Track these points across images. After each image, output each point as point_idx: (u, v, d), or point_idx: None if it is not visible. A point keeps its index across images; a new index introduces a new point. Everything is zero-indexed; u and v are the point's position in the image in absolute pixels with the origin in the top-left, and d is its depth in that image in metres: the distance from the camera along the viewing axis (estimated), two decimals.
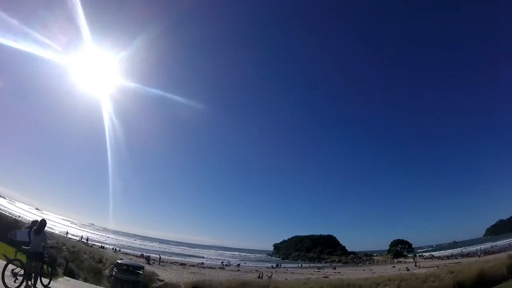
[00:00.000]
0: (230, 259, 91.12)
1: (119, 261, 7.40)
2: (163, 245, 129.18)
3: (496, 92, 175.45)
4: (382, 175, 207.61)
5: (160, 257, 61.95)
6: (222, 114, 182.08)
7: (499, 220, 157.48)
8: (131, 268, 7.10)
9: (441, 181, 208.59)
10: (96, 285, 13.76)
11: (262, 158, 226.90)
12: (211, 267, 58.83)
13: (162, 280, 20.20)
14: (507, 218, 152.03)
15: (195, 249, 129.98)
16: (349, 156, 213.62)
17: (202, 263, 67.79)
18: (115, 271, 7.27)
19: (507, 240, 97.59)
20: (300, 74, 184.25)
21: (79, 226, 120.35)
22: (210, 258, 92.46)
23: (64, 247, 23.74)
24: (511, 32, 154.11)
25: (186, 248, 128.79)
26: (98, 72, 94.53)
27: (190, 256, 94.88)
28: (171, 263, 58.84)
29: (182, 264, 59.50)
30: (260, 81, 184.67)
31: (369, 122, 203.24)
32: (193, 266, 58.03)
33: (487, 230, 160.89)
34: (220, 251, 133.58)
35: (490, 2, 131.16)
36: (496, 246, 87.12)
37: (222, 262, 74.25)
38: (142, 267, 7.65)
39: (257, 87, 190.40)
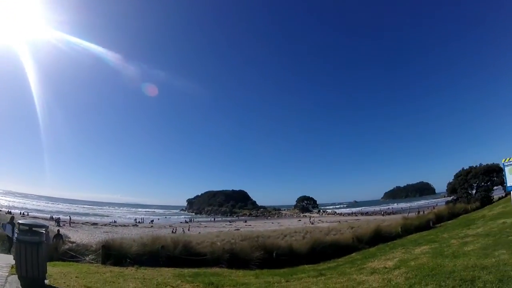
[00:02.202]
0: (144, 216, 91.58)
1: (19, 221, 7.66)
2: (73, 205, 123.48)
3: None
4: (293, 133, 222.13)
5: (70, 218, 60.29)
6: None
7: (396, 186, 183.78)
8: (33, 228, 7.41)
9: (345, 147, 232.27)
10: (6, 254, 13.49)
11: (171, 108, 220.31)
12: (124, 225, 59.20)
13: (73, 242, 20.14)
14: (404, 186, 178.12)
15: (107, 208, 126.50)
16: (262, 112, 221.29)
17: (115, 222, 67.69)
18: (16, 233, 7.53)
19: (403, 204, 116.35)
20: None
21: None
22: (123, 217, 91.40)
23: None
24: None
25: (97, 207, 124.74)
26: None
27: (102, 215, 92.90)
28: (82, 223, 57.79)
29: (94, 224, 58.93)
30: None
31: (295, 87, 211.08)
32: (105, 225, 57.77)
33: (385, 193, 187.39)
34: (133, 209, 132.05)
35: None
36: (393, 208, 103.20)
37: (136, 220, 74.52)
38: (46, 226, 8.00)
39: None
